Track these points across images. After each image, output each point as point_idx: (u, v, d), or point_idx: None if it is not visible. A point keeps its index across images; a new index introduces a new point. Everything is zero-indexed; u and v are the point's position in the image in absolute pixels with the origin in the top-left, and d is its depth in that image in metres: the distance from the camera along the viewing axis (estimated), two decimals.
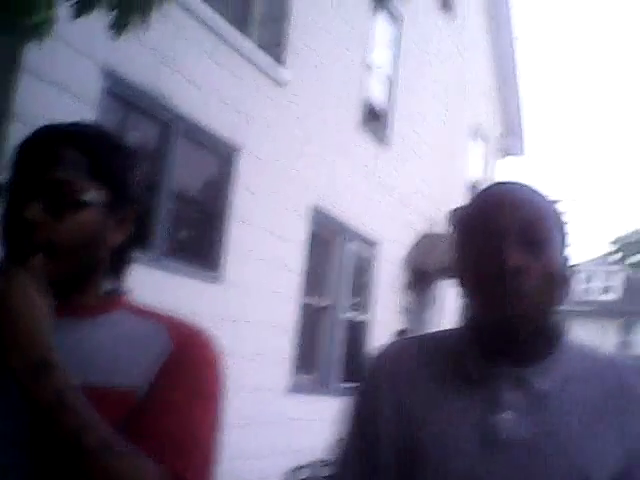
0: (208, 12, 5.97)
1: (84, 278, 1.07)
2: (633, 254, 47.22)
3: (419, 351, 1.18)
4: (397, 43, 9.61)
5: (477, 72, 12.67)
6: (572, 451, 1.05)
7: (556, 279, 1.09)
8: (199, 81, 5.89)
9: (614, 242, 48.01)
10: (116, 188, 1.07)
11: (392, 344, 1.22)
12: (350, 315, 8.75)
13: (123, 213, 1.08)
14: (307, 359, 7.84)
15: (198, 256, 6.21)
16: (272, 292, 6.94)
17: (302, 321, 7.58)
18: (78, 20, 3.32)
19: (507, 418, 1.07)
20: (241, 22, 6.74)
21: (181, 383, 1.01)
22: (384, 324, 9.09)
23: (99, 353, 1.02)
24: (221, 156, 6.35)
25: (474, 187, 13.40)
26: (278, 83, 6.97)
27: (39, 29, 3.51)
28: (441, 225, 10.80)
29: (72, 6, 3.23)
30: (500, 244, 1.07)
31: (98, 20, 3.37)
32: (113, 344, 1.04)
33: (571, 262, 1.14)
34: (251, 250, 6.60)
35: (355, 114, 8.59)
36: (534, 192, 1.14)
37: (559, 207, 1.15)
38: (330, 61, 7.86)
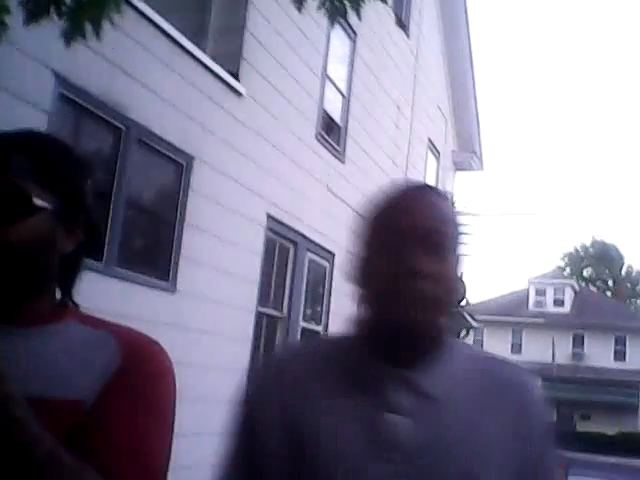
0: (165, 22, 5.98)
1: (33, 285, 1.04)
2: (582, 268, 48.32)
3: (309, 355, 1.17)
4: (352, 58, 9.74)
5: (432, 87, 12.89)
6: (458, 452, 1.04)
7: (454, 285, 1.10)
8: (154, 89, 5.88)
9: (563, 257, 49.08)
10: (65, 195, 1.06)
11: (281, 349, 1.19)
12: (306, 325, 8.79)
13: (73, 220, 1.07)
14: None
15: (151, 265, 6.18)
16: (227, 301, 6.93)
17: (258, 331, 7.58)
18: (32, 26, 3.31)
19: (393, 420, 1.05)
20: (197, 34, 6.77)
21: (130, 395, 0.99)
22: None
23: (46, 363, 1.00)
24: (176, 165, 6.34)
25: None
26: (234, 93, 7.01)
27: None
28: None
29: (25, 12, 3.23)
30: (407, 246, 1.05)
31: (52, 27, 3.37)
32: (61, 354, 1.01)
33: (460, 263, 1.15)
34: (206, 259, 6.59)
35: (312, 126, 8.67)
36: (441, 197, 1.15)
37: (459, 215, 1.19)
38: (287, 73, 7.92)
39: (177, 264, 6.25)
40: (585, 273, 49.30)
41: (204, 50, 6.69)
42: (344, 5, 3.98)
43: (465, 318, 15.22)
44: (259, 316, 7.64)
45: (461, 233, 1.15)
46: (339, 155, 9.47)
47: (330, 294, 9.30)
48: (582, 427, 31.07)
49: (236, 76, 7.01)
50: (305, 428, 1.07)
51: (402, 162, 11.61)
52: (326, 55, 9.01)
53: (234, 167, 6.99)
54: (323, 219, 8.88)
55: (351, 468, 1.04)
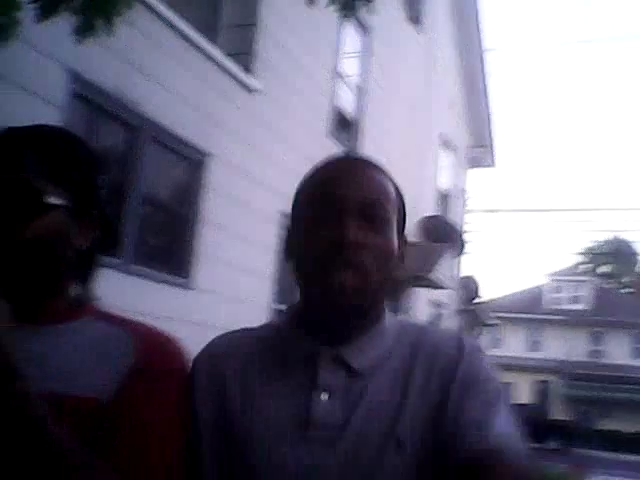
0: (177, 18, 6.01)
1: (49, 283, 1.05)
2: (602, 264, 47.97)
3: (244, 342, 1.12)
4: (366, 53, 9.73)
5: (445, 83, 12.84)
6: (380, 429, 0.99)
7: (392, 259, 1.04)
8: (167, 86, 5.91)
9: (583, 253, 48.76)
10: (79, 191, 1.05)
11: (216, 339, 1.15)
12: None
13: (87, 217, 1.07)
14: None
15: (168, 262, 6.20)
16: (242, 298, 6.94)
17: None
18: (44, 24, 3.33)
19: (322, 400, 1.01)
20: (209, 29, 6.78)
21: (145, 392, 0.99)
22: None
23: (63, 361, 1.00)
24: (191, 161, 6.36)
25: (444, 196, 13.55)
26: (248, 90, 7.02)
27: (4, 31, 3.51)
28: (411, 233, 10.90)
29: (36, 9, 3.24)
30: (339, 217, 1.01)
31: (65, 23, 3.39)
32: (77, 352, 1.02)
33: (404, 244, 1.09)
34: (221, 256, 6.61)
35: (325, 122, 8.66)
36: (377, 169, 1.09)
37: (398, 188, 1.10)
38: (300, 69, 7.92)
39: (193, 261, 6.27)
40: (602, 269, 48.91)
41: (217, 46, 6.71)
42: (354, 1, 3.97)
43: (481, 315, 15.15)
44: (274, 312, 7.64)
45: (402, 206, 1.09)
46: (353, 151, 9.45)
47: None
48: (601, 425, 30.83)
49: (249, 72, 7.02)
50: (239, 416, 1.03)
51: (415, 158, 11.57)
52: (339, 51, 9.00)
53: (248, 163, 7.00)
54: None
55: (271, 451, 1.00)
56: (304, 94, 8.07)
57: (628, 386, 31.12)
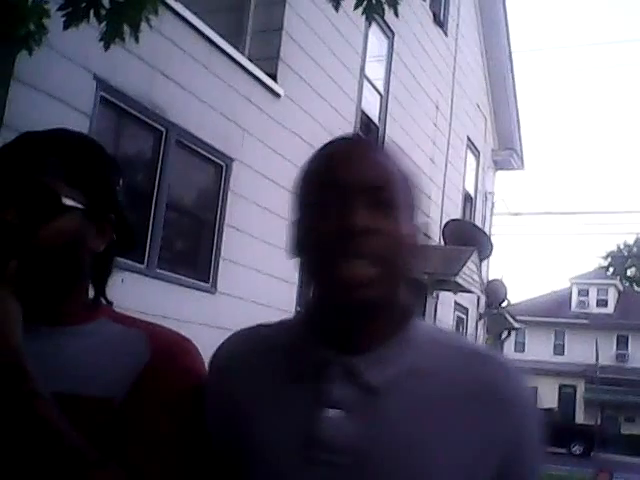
0: (203, 24, 6.02)
1: (64, 284, 1.05)
2: (626, 268, 47.39)
3: (255, 342, 1.04)
4: (389, 57, 9.68)
5: (471, 86, 12.75)
6: (407, 459, 0.88)
7: (405, 246, 0.93)
8: (193, 91, 5.92)
9: (606, 256, 48.20)
10: (96, 194, 1.06)
11: (230, 337, 1.09)
12: None
13: (104, 220, 1.07)
14: None
15: (192, 266, 6.22)
16: (266, 302, 6.93)
17: None
18: (72, 30, 3.35)
19: (332, 416, 0.89)
20: (235, 35, 6.79)
21: (158, 393, 0.99)
22: None
23: (77, 362, 1.01)
24: (215, 166, 6.37)
25: (471, 199, 13.47)
26: (272, 94, 7.01)
27: (31, 38, 3.54)
28: (435, 236, 10.83)
29: (62, 17, 3.26)
30: (345, 201, 0.91)
31: (92, 30, 3.40)
32: (92, 353, 1.02)
33: (422, 232, 0.99)
34: (245, 260, 6.61)
35: (350, 126, 8.63)
36: (383, 150, 1.00)
37: (408, 171, 1.00)
38: (324, 74, 7.90)
39: (217, 265, 6.27)
40: (629, 273, 48.30)
41: (242, 52, 6.72)
42: (381, 3, 3.94)
43: (507, 319, 15.02)
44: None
45: (415, 190, 0.99)
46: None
47: None
48: (627, 429, 30.49)
49: (274, 77, 7.02)
50: (243, 425, 0.95)
51: (441, 161, 11.50)
52: (364, 55, 8.97)
53: (272, 168, 6.99)
54: None
55: (281, 473, 0.90)
56: (329, 98, 8.05)
57: None
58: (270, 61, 7.05)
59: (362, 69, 8.95)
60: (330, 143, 1.01)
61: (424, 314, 10.89)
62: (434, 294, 10.74)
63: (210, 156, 6.25)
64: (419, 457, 0.88)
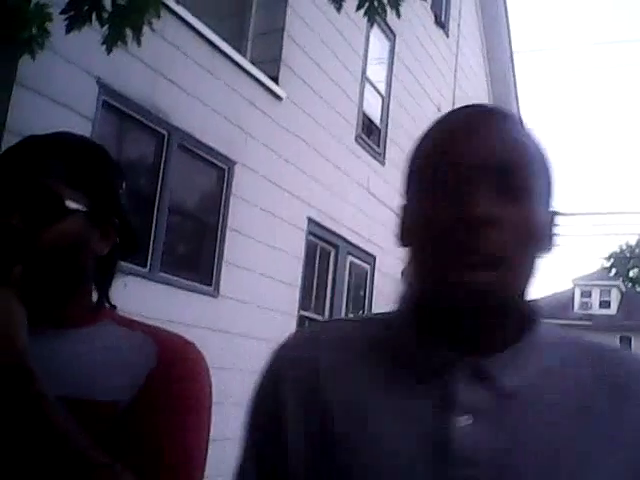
0: (205, 27, 6.02)
1: (68, 287, 1.05)
2: (628, 269, 47.38)
3: (347, 335, 0.90)
4: (391, 59, 9.68)
5: (473, 87, 12.74)
6: (552, 467, 0.77)
7: (537, 238, 0.80)
8: (195, 94, 5.92)
9: (608, 258, 48.21)
10: (98, 197, 1.06)
11: (300, 330, 0.98)
12: None
13: (107, 223, 1.08)
14: None
15: (194, 269, 6.21)
16: (269, 305, 6.93)
17: None
18: (73, 34, 3.35)
19: (464, 424, 0.78)
20: (237, 38, 6.79)
21: (164, 396, 0.99)
22: None
23: (82, 365, 1.00)
24: (217, 169, 6.36)
25: None
26: (274, 97, 7.01)
27: (33, 42, 3.54)
28: None
29: (65, 20, 3.26)
30: (466, 185, 0.77)
31: (95, 34, 3.40)
32: (96, 356, 1.02)
33: (556, 219, 0.86)
34: (248, 263, 6.60)
35: (352, 129, 8.63)
36: (516, 122, 0.85)
37: (546, 147, 0.86)
38: (326, 76, 7.90)
39: (220, 268, 6.27)
40: (631, 274, 48.25)
41: (244, 54, 6.72)
42: (383, 4, 3.94)
43: None
44: (301, 320, 7.62)
45: (550, 169, 0.84)
46: (379, 157, 9.41)
47: (372, 297, 9.25)
48: None
49: (276, 80, 7.02)
50: (339, 429, 0.81)
51: None
52: (365, 57, 8.96)
53: (275, 171, 6.99)
54: (364, 222, 8.83)
55: None
56: (331, 100, 8.04)
57: None
58: (272, 64, 7.05)
59: (364, 71, 8.94)
60: (452, 112, 0.86)
61: None
62: None
63: (213, 159, 6.24)
64: (562, 463, 0.77)
